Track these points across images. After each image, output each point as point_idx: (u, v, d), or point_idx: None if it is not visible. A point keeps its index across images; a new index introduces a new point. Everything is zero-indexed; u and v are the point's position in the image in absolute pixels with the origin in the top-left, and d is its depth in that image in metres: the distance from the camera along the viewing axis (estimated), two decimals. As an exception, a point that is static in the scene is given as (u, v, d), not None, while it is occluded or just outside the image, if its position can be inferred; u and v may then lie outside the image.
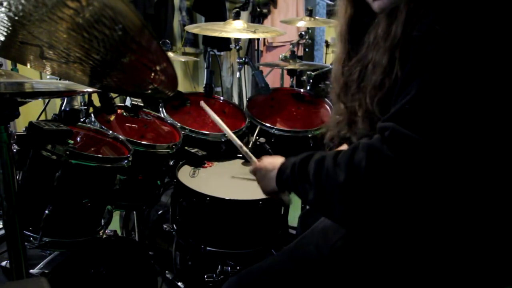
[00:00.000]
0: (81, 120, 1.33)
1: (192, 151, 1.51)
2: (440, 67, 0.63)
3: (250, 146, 1.63)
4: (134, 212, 1.66)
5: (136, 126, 1.62)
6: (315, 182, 0.73)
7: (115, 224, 1.76)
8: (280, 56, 2.33)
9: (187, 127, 1.64)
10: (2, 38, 0.67)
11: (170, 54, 2.63)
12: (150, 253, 1.57)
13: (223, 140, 1.69)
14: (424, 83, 0.63)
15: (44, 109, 1.53)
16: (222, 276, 1.32)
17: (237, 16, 1.94)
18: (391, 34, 0.73)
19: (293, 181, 0.80)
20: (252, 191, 1.32)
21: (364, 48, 0.81)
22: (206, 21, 4.07)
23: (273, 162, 0.90)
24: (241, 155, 1.59)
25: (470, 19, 0.63)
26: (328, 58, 5.32)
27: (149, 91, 0.77)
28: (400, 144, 0.62)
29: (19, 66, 2.26)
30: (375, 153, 0.63)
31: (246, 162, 1.56)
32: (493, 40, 0.62)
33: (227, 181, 1.40)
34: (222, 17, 4.05)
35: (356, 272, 0.85)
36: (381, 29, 0.76)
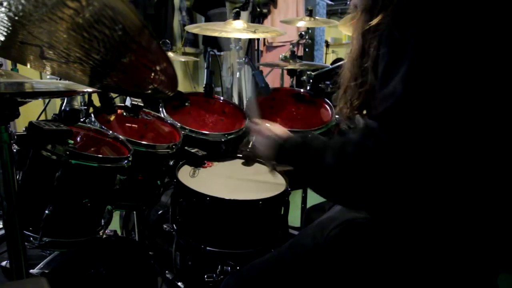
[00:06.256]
0: (81, 120, 1.33)
1: (192, 151, 1.51)
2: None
3: (250, 146, 1.63)
4: (134, 212, 1.66)
5: (136, 126, 1.62)
6: (313, 167, 0.81)
7: (115, 224, 1.76)
8: (280, 56, 2.32)
9: (187, 127, 1.64)
10: (2, 38, 0.67)
11: (170, 54, 2.62)
12: (150, 253, 1.58)
13: (223, 140, 1.69)
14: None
15: (44, 109, 1.53)
16: (222, 276, 1.31)
17: (237, 16, 1.94)
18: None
19: (294, 159, 0.88)
20: (252, 191, 1.32)
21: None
22: (206, 21, 4.07)
23: (271, 130, 0.99)
24: (241, 155, 1.59)
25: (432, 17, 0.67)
26: (328, 58, 5.33)
27: (149, 91, 0.77)
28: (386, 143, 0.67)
29: (19, 66, 2.26)
30: (363, 148, 0.70)
31: (246, 162, 1.56)
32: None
33: (227, 181, 1.40)
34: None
35: (351, 261, 0.88)
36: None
